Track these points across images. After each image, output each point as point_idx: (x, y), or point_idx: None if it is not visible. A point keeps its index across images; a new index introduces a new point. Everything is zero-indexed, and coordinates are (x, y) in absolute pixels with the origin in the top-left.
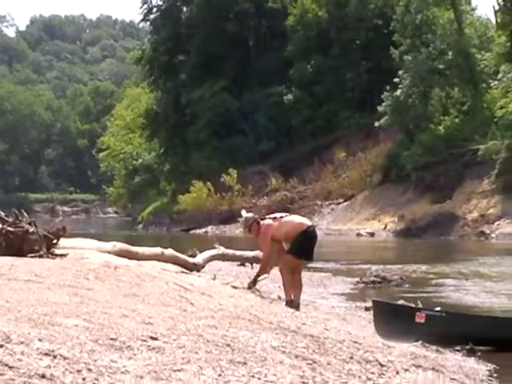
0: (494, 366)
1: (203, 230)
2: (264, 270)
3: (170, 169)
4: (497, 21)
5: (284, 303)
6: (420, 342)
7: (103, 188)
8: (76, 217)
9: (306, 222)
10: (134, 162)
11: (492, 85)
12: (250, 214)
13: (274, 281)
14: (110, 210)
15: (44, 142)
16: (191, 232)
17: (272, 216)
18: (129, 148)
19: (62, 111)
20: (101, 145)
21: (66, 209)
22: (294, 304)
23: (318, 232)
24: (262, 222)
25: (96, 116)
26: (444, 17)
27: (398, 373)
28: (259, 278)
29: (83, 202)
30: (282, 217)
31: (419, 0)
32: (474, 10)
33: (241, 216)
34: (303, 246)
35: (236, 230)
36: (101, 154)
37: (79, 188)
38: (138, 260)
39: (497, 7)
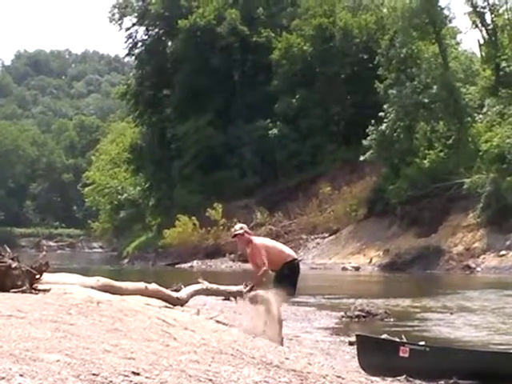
0: None
1: (189, 264)
2: (260, 279)
3: (155, 203)
4: (481, 54)
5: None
6: (404, 376)
7: (88, 223)
8: (61, 251)
9: (292, 252)
10: (119, 196)
11: (477, 118)
12: (245, 225)
13: None
14: (95, 244)
15: (29, 177)
16: (177, 266)
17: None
18: (114, 183)
19: (47, 146)
20: (86, 179)
21: (51, 243)
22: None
23: (301, 266)
24: (253, 237)
25: (81, 151)
26: (429, 51)
27: None
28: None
29: (68, 236)
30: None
31: (404, 34)
32: (458, 43)
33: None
34: (291, 278)
35: (222, 265)
36: (86, 189)
37: (64, 223)
38: (122, 295)
39: (481, 41)
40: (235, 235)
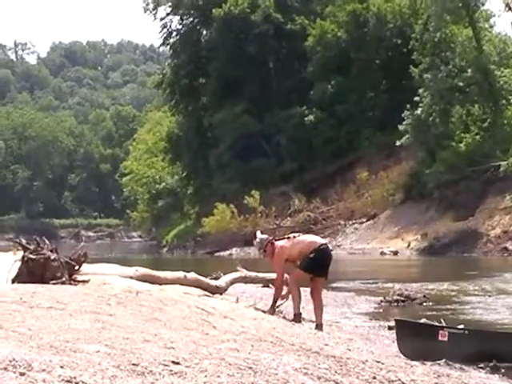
0: None
1: (227, 252)
2: (279, 292)
3: (193, 192)
4: None
5: (314, 326)
6: (443, 360)
7: (127, 212)
8: (101, 242)
9: (319, 240)
10: (157, 185)
11: None
12: (265, 236)
13: None
14: (134, 234)
15: (67, 168)
16: (216, 255)
17: (286, 237)
18: (151, 172)
19: (84, 136)
20: (124, 169)
21: (90, 234)
22: (297, 318)
23: (332, 251)
24: (276, 244)
25: (118, 141)
26: (462, 34)
27: None
28: (278, 303)
29: (107, 226)
30: (294, 237)
31: (438, 18)
32: (492, 26)
33: (255, 237)
34: (313, 261)
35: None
36: (124, 179)
37: (103, 213)
38: (161, 284)
39: None
40: (264, 251)
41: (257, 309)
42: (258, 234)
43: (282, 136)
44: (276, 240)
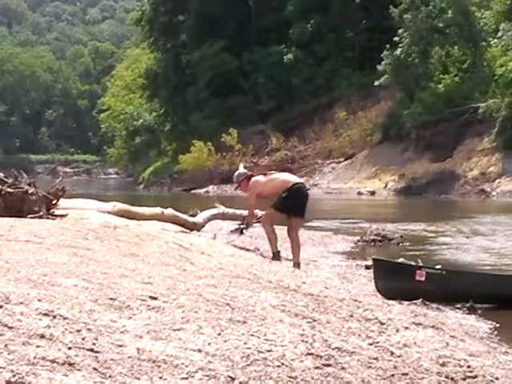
0: (495, 323)
1: (204, 189)
2: (250, 214)
3: (170, 129)
4: None
5: (292, 264)
6: (420, 299)
7: (104, 149)
8: (77, 178)
9: (294, 179)
10: (135, 122)
11: (492, 43)
12: (244, 171)
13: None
14: (111, 170)
15: (44, 103)
16: (192, 192)
17: (262, 173)
18: (129, 108)
19: (62, 72)
20: (101, 105)
21: (67, 170)
22: (276, 256)
23: (309, 190)
24: (252, 179)
25: (96, 77)
26: None
27: (397, 331)
28: (242, 226)
29: (84, 162)
30: (271, 173)
31: None
32: None
33: (237, 169)
34: (286, 201)
35: (237, 190)
36: (101, 115)
37: (80, 149)
38: (138, 220)
39: None
40: (240, 185)
41: (234, 246)
42: (241, 167)
43: (260, 74)
44: (253, 176)
